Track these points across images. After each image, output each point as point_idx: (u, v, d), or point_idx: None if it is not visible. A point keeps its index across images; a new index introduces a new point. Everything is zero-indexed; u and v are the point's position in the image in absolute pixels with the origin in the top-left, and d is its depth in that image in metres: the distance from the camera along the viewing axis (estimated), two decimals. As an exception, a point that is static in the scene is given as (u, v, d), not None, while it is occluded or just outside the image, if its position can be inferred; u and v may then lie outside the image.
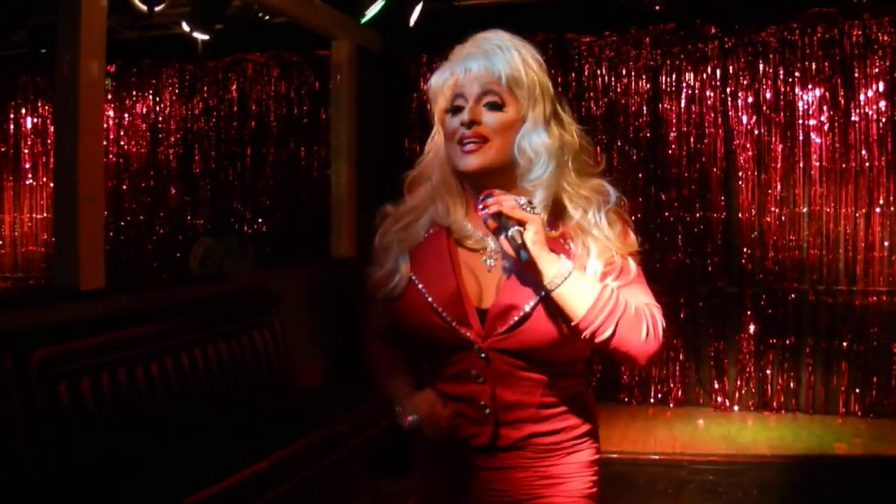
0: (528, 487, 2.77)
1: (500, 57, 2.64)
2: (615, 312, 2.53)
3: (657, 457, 7.45)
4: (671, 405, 9.07)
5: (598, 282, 2.59)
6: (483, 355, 2.66)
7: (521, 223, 2.49)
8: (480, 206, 2.55)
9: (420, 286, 2.74)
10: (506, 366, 2.66)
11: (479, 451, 2.75)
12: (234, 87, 10.17)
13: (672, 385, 9.12)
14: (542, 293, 2.57)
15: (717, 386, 9.00)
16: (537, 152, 2.65)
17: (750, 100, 8.90)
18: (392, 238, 2.83)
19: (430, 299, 2.70)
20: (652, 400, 9.15)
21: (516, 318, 2.60)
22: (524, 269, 2.57)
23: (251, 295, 6.63)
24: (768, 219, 8.84)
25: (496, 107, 2.63)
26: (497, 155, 2.64)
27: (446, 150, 2.73)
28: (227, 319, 6.07)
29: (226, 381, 5.81)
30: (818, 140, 8.72)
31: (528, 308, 2.59)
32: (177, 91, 10.41)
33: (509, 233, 2.46)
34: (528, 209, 2.53)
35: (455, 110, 2.67)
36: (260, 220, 9.93)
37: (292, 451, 5.23)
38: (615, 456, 7.36)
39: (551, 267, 2.53)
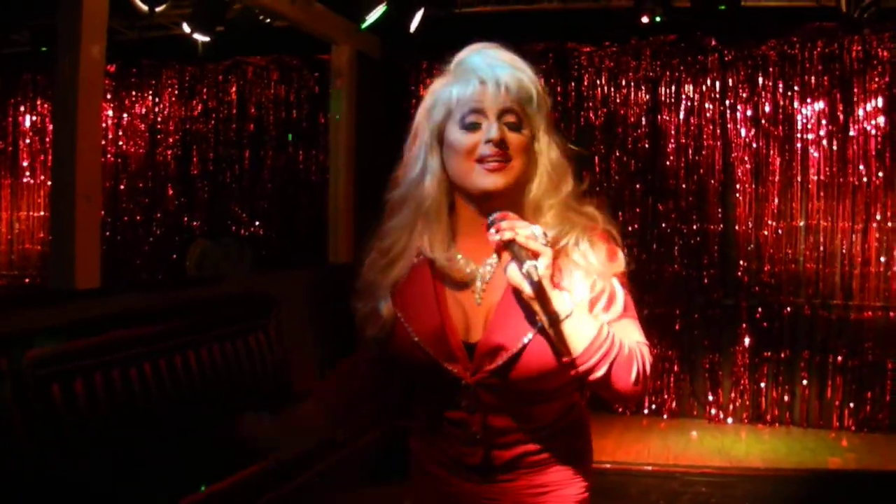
0: (522, 497, 2.74)
1: (524, 74, 2.60)
2: (610, 353, 2.46)
3: (650, 468, 7.45)
4: (665, 416, 9.07)
5: (593, 318, 2.52)
6: (471, 389, 2.62)
7: (535, 255, 2.39)
8: (492, 230, 2.46)
9: (405, 324, 2.68)
10: (495, 398, 2.63)
11: (472, 468, 2.73)
12: (234, 89, 10.16)
13: (666, 396, 9.13)
14: (534, 330, 2.52)
15: (711, 398, 9.01)
16: (561, 172, 2.66)
17: (749, 113, 8.93)
18: (376, 275, 2.77)
19: (415, 337, 2.65)
20: (646, 411, 9.14)
21: (505, 359, 2.54)
22: (519, 301, 2.52)
23: (248, 298, 6.62)
24: (765, 232, 8.84)
25: (515, 127, 2.57)
26: (517, 174, 2.58)
27: (454, 166, 2.63)
28: (224, 322, 6.05)
29: (221, 384, 5.79)
30: (816, 154, 8.75)
31: (516, 349, 2.53)
32: (176, 92, 10.39)
33: (524, 267, 2.35)
34: (543, 241, 2.43)
35: (471, 126, 2.57)
36: (257, 224, 9.92)
37: (287, 456, 5.22)
38: (608, 466, 7.37)
39: (556, 303, 2.45)
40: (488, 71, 2.58)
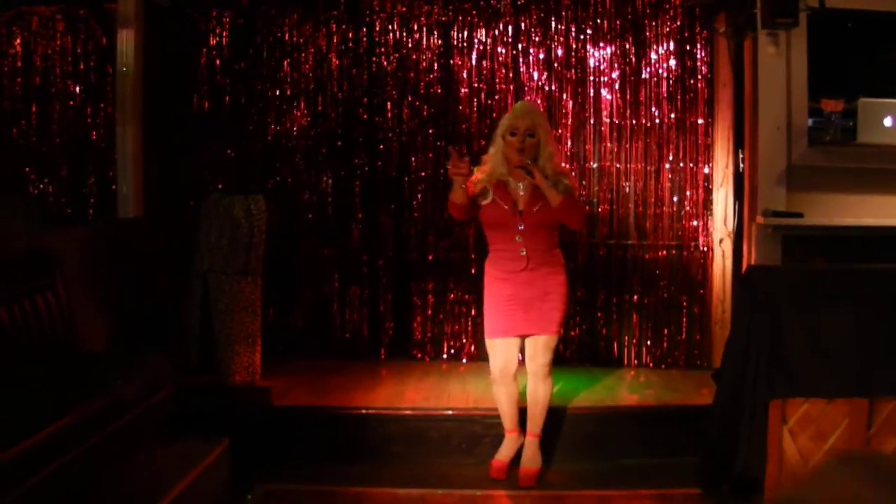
0: (541, 276, 6.76)
1: (536, 114, 6.80)
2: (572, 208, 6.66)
3: (451, 412, 7.48)
4: (464, 360, 9.14)
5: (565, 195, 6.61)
6: (521, 227, 6.69)
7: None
8: (526, 169, 6.60)
9: (499, 201, 6.71)
10: (531, 234, 6.72)
11: (521, 269, 6.73)
12: (18, 41, 9.75)
13: (465, 340, 9.19)
14: (543, 202, 6.60)
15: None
16: (552, 154, 6.73)
17: (541, 56, 8.97)
18: (486, 179, 6.72)
19: (504, 206, 6.67)
20: (445, 356, 9.20)
21: (535, 215, 6.64)
22: (537, 191, 6.63)
23: (30, 257, 6.37)
24: (559, 174, 8.90)
25: (531, 136, 6.63)
26: (531, 155, 6.65)
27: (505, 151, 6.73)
28: (3, 284, 5.81)
29: (2, 348, 5.58)
30: (609, 97, 8.86)
31: (536, 209, 6.64)
32: (-42, 46, 9.93)
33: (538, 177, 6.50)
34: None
35: (513, 134, 6.66)
36: (46, 180, 9.55)
37: (73, 420, 5.03)
38: (409, 412, 7.38)
39: (548, 190, 6.52)
40: (521, 112, 6.74)
